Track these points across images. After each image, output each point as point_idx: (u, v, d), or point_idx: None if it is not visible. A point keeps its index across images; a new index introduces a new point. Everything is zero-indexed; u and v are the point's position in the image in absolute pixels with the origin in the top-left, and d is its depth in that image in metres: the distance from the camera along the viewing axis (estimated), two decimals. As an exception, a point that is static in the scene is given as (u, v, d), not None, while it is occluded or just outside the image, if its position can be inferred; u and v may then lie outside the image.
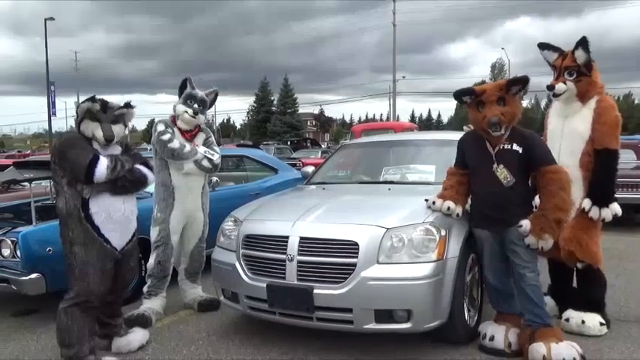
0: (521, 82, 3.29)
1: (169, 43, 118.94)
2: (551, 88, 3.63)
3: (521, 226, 3.14)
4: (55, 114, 36.37)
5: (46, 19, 31.66)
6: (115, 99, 3.34)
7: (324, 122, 68.08)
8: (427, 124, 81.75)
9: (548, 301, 3.91)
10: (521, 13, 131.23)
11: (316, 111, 69.96)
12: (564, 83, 3.61)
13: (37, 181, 5.49)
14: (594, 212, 3.53)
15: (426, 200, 3.44)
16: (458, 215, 3.37)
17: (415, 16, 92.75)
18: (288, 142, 34.32)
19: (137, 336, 3.56)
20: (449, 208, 3.34)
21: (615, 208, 3.56)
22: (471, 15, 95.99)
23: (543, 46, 3.78)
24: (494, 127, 3.17)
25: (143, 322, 3.84)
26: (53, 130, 34.71)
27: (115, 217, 3.18)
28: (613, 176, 3.61)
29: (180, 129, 4.09)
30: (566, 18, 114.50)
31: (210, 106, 4.30)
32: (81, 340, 3.08)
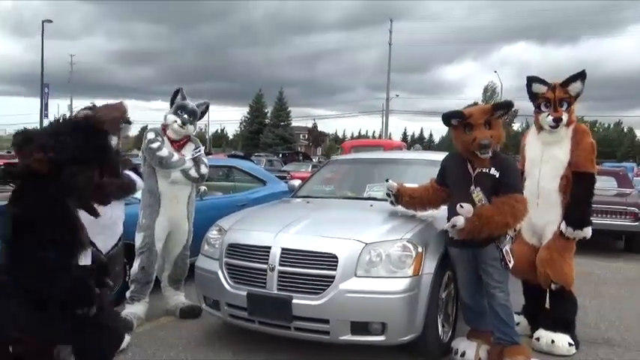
0: (506, 107, 3.46)
1: (169, 50, 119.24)
2: (559, 120, 3.72)
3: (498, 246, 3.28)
4: (47, 116, 36.23)
5: (43, 22, 31.73)
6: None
7: (316, 136, 68.37)
8: (419, 143, 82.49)
9: (521, 320, 4.05)
10: (519, 39, 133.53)
11: (310, 125, 70.31)
12: (563, 115, 3.74)
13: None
14: (569, 232, 3.70)
15: (387, 180, 3.82)
16: (392, 203, 3.79)
17: (415, 37, 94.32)
18: (280, 155, 34.44)
19: (117, 339, 3.61)
20: (389, 195, 3.79)
21: (587, 231, 3.72)
22: (470, 37, 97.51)
23: (533, 79, 3.91)
24: (484, 149, 3.30)
25: (125, 326, 3.89)
26: (44, 133, 34.50)
27: (101, 222, 3.21)
28: (589, 199, 3.78)
29: (169, 138, 4.19)
30: (562, 45, 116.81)
31: (201, 117, 4.41)
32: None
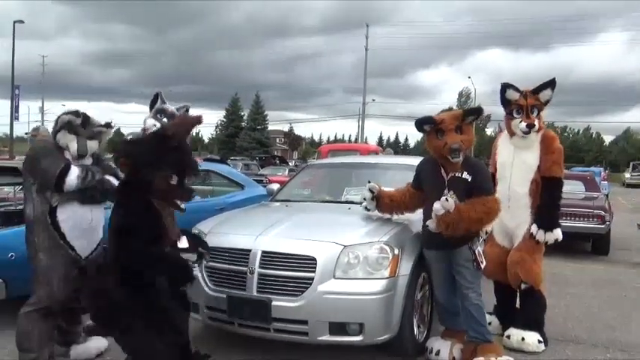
0: (476, 113, 3.59)
1: (146, 53, 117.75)
2: (532, 126, 3.87)
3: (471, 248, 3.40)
4: (17, 118, 35.50)
5: (15, 22, 31.06)
6: (82, 106, 3.45)
7: (293, 140, 68.40)
8: (394, 147, 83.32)
9: (493, 319, 4.19)
10: (494, 45, 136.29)
11: (286, 129, 70.28)
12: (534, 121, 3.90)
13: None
14: (540, 235, 3.85)
15: (369, 182, 3.94)
16: (367, 209, 3.90)
17: (393, 41, 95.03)
18: (256, 159, 34.34)
19: (95, 344, 3.62)
20: (364, 199, 3.93)
21: (558, 233, 3.88)
22: (446, 43, 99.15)
23: (507, 86, 4.04)
24: (454, 153, 3.42)
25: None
26: (15, 135, 33.83)
27: (81, 226, 3.27)
28: (558, 202, 3.95)
29: (149, 142, 4.20)
30: (535, 52, 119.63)
31: None
32: (40, 346, 3.13)
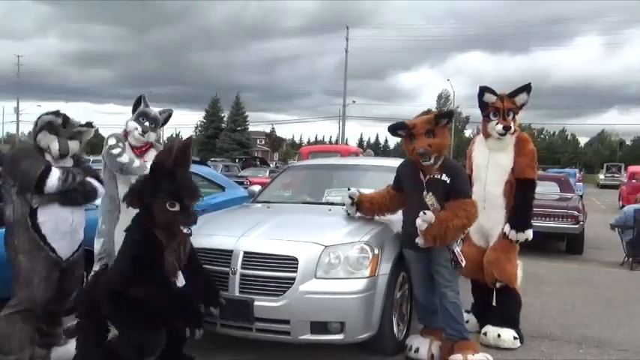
0: (448, 116, 3.68)
1: (125, 53, 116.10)
2: (509, 128, 3.98)
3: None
4: (-8, 119, 34.74)
5: (-12, 21, 30.41)
6: (59, 106, 3.46)
7: (274, 141, 68.30)
8: (374, 149, 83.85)
9: (470, 317, 4.29)
10: (474, 48, 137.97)
11: (267, 130, 70.15)
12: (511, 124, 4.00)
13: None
14: (512, 235, 3.96)
15: (349, 189, 4.04)
16: (349, 214, 3.97)
17: (374, 43, 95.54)
18: (237, 160, 34.20)
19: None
20: (344, 204, 4.01)
21: (529, 233, 4.01)
22: (428, 45, 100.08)
23: (485, 89, 4.14)
24: (422, 157, 3.50)
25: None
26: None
27: (62, 228, 3.26)
28: (531, 203, 4.08)
29: (130, 144, 4.20)
30: (515, 55, 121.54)
31: (163, 125, 4.43)
32: (21, 348, 3.12)
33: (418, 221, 3.37)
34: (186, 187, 3.08)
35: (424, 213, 3.37)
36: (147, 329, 2.99)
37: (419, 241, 3.43)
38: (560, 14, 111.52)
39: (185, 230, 3.02)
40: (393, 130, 3.67)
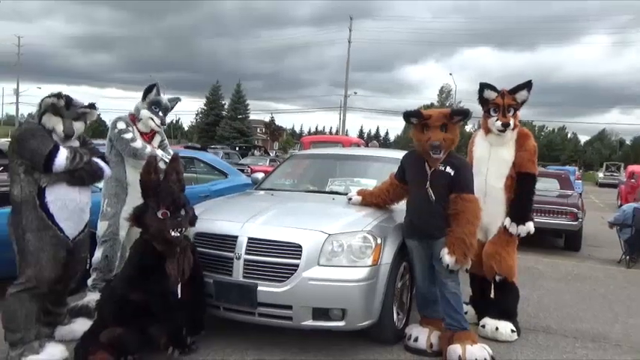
0: (463, 114, 3.70)
1: (130, 38, 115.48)
2: (507, 125, 4.01)
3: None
4: (-8, 100, 34.59)
5: (-10, 1, 30.20)
6: (60, 89, 3.48)
7: (274, 131, 68.13)
8: (376, 140, 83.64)
9: (469, 309, 4.34)
10: (481, 44, 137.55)
11: (267, 119, 69.95)
12: (510, 120, 4.03)
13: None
14: (513, 228, 4.00)
15: (350, 199, 4.13)
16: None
17: (382, 35, 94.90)
18: (237, 148, 34.14)
19: (80, 326, 3.63)
20: (350, 199, 4.11)
21: (530, 226, 4.04)
22: (436, 39, 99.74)
23: (485, 86, 4.17)
24: (434, 150, 3.54)
25: (87, 313, 3.91)
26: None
27: (69, 207, 3.29)
28: (531, 197, 4.11)
29: (138, 130, 4.22)
30: (521, 52, 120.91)
31: (170, 112, 4.46)
32: (27, 326, 3.16)
33: (446, 260, 3.45)
34: (171, 195, 3.36)
35: (445, 255, 3.45)
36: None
37: (451, 264, 3.47)
38: (568, 12, 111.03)
39: (173, 233, 3.22)
40: (408, 116, 3.69)
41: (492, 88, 4.13)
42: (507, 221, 4.03)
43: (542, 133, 75.81)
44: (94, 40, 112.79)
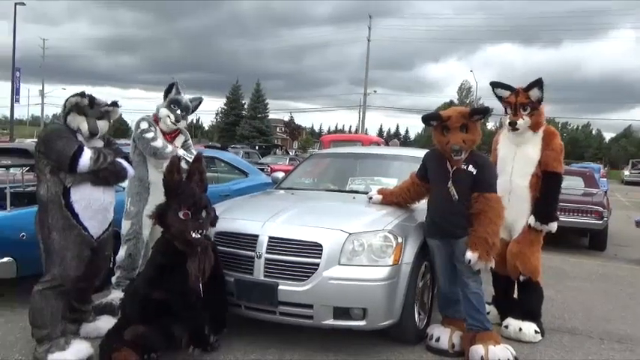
0: (483, 113, 3.66)
1: (153, 39, 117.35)
2: (514, 124, 3.98)
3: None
4: (18, 101, 35.45)
5: (16, 4, 30.88)
6: (84, 90, 3.53)
7: (293, 130, 68.28)
8: (397, 138, 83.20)
9: (491, 309, 4.28)
10: (504, 40, 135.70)
11: (286, 118, 70.13)
12: (522, 118, 3.98)
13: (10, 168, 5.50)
14: (537, 225, 3.95)
15: (370, 199, 4.09)
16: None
17: (403, 33, 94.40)
18: (257, 147, 34.30)
19: (105, 323, 3.69)
20: (370, 198, 4.09)
21: (553, 226, 3.99)
22: (458, 36, 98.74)
23: (496, 85, 4.14)
24: (455, 152, 3.50)
25: (111, 310, 3.98)
26: (15, 118, 33.81)
27: (94, 207, 3.35)
28: (556, 196, 4.05)
29: (161, 130, 4.27)
30: (545, 48, 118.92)
31: (193, 111, 4.49)
32: (53, 322, 3.22)
33: (468, 257, 3.42)
34: (193, 196, 3.37)
35: (470, 254, 3.41)
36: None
37: (474, 262, 3.43)
38: (593, 7, 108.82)
39: (194, 235, 3.22)
40: (427, 119, 3.67)
41: (503, 86, 4.09)
42: (532, 219, 3.97)
43: (566, 130, 74.43)
44: (117, 42, 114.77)
